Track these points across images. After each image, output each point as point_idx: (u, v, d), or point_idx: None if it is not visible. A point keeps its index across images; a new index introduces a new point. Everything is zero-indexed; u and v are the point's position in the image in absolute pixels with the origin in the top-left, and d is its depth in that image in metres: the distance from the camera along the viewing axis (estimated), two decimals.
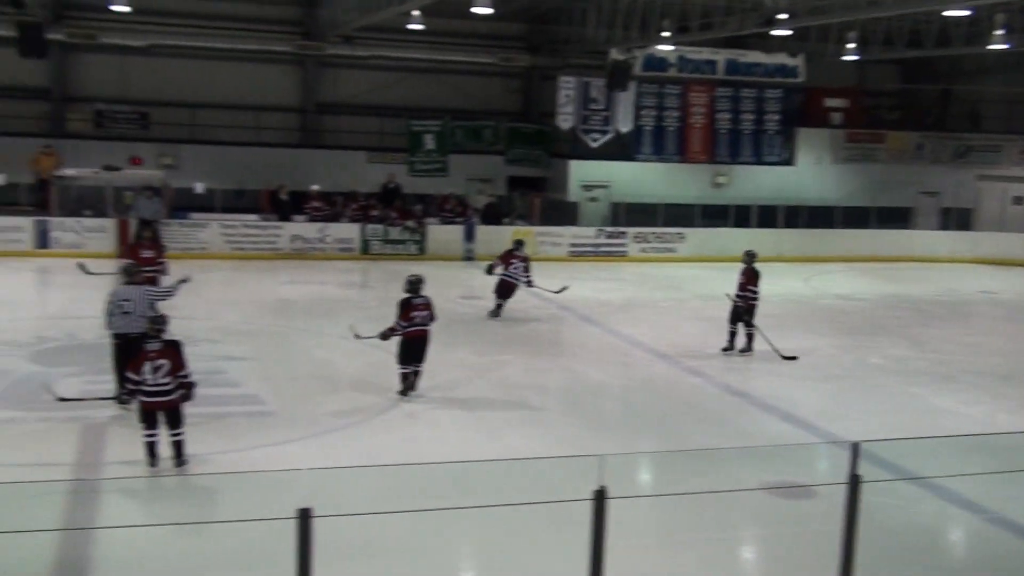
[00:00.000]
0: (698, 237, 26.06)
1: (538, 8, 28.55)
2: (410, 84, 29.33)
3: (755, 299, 15.15)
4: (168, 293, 11.53)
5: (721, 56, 27.60)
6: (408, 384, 12.29)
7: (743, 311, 15.11)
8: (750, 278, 15.17)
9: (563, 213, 27.10)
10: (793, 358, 14.76)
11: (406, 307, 12.27)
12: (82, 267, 14.23)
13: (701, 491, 7.83)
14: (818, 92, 29.44)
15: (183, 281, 11.84)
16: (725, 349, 15.22)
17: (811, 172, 29.36)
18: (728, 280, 15.77)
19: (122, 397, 10.48)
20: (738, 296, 15.16)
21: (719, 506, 8.47)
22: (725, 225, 26.94)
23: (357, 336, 12.71)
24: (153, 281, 15.67)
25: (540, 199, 27.61)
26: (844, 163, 29.71)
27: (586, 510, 5.87)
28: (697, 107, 28.02)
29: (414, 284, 12.51)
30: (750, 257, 15.37)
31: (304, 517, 5.28)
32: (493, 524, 7.86)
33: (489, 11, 18.93)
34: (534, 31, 29.86)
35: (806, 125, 29.13)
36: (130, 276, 11.39)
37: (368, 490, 8.24)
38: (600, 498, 5.81)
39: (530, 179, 29.07)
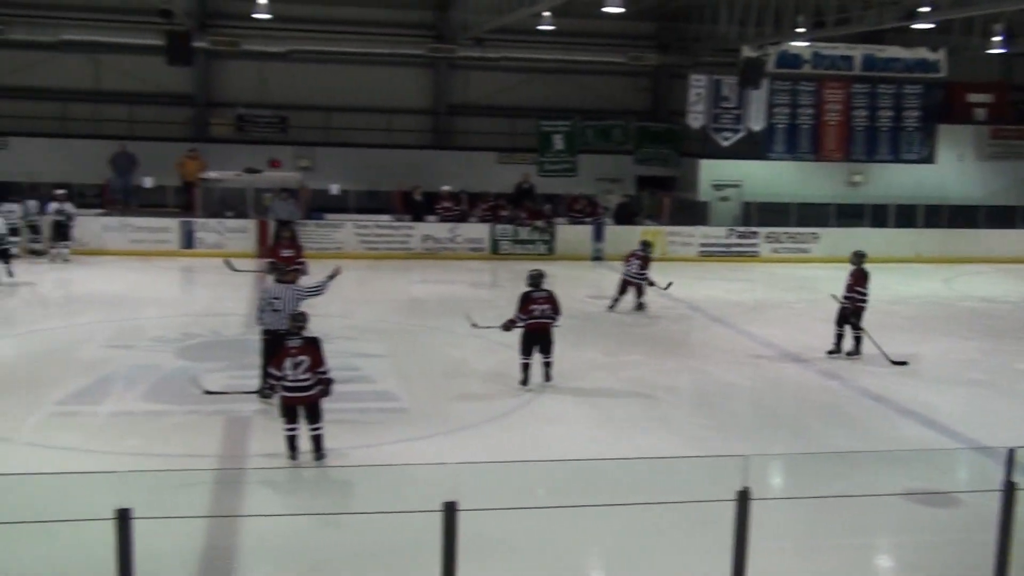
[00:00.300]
0: (833, 237, 25.42)
1: (668, 6, 28.35)
2: (539, 84, 29.49)
3: (863, 301, 14.71)
4: (318, 290, 11.74)
5: (858, 51, 26.85)
6: (527, 375, 12.57)
7: (850, 313, 14.70)
8: (858, 279, 14.75)
9: (693, 213, 26.84)
10: (903, 363, 14.28)
11: (526, 300, 12.63)
12: (228, 264, 14.83)
13: (844, 495, 7.67)
14: (960, 87, 28.40)
15: (332, 276, 11.98)
16: (831, 352, 14.84)
17: (953, 170, 28.33)
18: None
19: (264, 391, 10.85)
20: (845, 297, 14.76)
21: (857, 511, 8.29)
22: (861, 225, 26.25)
23: (474, 325, 13.04)
24: (293, 280, 16.25)
25: (670, 199, 27.41)
26: (988, 160, 28.60)
27: (720, 511, 5.84)
28: (832, 104, 27.35)
29: (535, 278, 12.83)
30: (858, 258, 14.94)
31: (450, 510, 5.38)
32: (623, 523, 7.88)
33: (620, 10, 18.93)
34: (664, 29, 29.65)
35: (947, 121, 28.07)
36: (281, 275, 11.81)
37: (501, 486, 8.34)
38: (744, 499, 5.78)
39: (659, 179, 28.90)
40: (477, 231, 24.35)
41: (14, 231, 21.03)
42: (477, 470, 7.81)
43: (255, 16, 24.39)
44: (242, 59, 27.96)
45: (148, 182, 25.43)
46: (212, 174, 24.46)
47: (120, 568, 5.44)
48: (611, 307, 17.89)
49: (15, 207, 21.50)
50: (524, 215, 24.65)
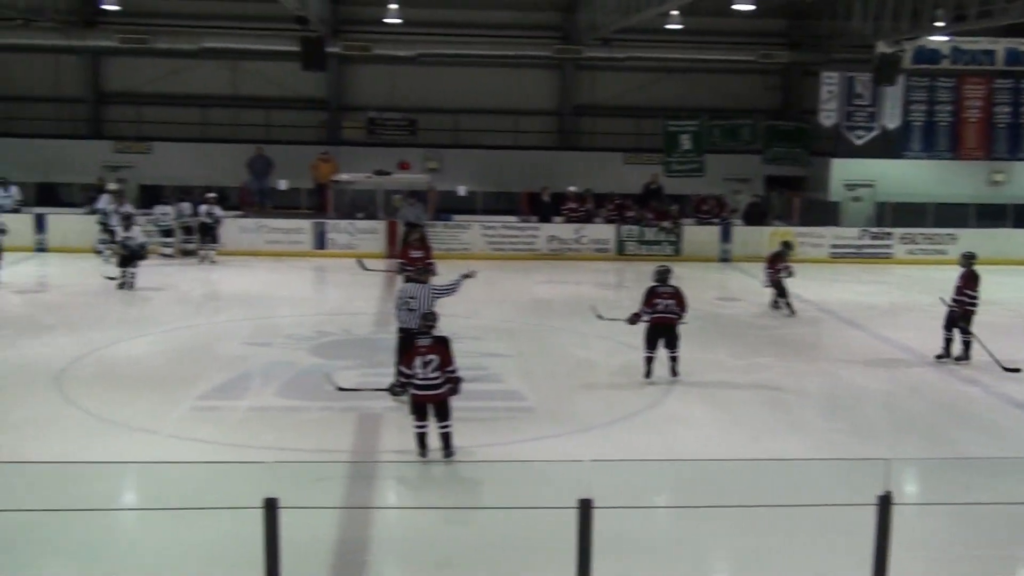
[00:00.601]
0: (972, 238, 24.42)
1: (800, 3, 27.77)
2: (667, 84, 29.28)
3: (972, 304, 14.10)
4: (452, 289, 11.80)
5: (1000, 45, 25.80)
6: (650, 368, 12.81)
7: (958, 316, 14.14)
8: (967, 282, 14.16)
9: (824, 213, 26.23)
10: (1016, 370, 13.61)
11: (651, 295, 12.87)
12: (360, 264, 15.21)
13: (988, 502, 7.40)
14: None
15: (467, 276, 12.08)
16: (939, 356, 14.29)
17: None
18: (1007, 284, 14.80)
19: (395, 389, 11.07)
20: (954, 300, 14.20)
21: (999, 520, 7.99)
22: (1003, 226, 25.25)
23: (600, 317, 13.21)
24: (426, 281, 16.58)
25: (799, 199, 26.85)
26: None
27: (855, 516, 5.73)
28: (972, 100, 26.40)
29: (662, 274, 13.07)
30: (967, 259, 14.36)
31: (585, 508, 5.41)
32: (756, 526, 7.79)
33: (750, 7, 18.67)
34: (795, 26, 29.07)
35: None
36: (417, 275, 12.05)
37: (630, 485, 8.34)
38: (885, 504, 5.65)
39: (788, 178, 28.33)
40: (603, 232, 24.31)
41: (168, 232, 22.01)
42: (605, 468, 7.84)
43: (386, 21, 24.93)
44: (373, 63, 28.58)
45: (283, 184, 26.19)
46: (344, 176, 25.04)
47: (267, 554, 5.65)
48: (790, 313, 17.49)
49: (169, 209, 22.50)
50: (651, 216, 24.50)
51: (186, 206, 22.57)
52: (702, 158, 27.30)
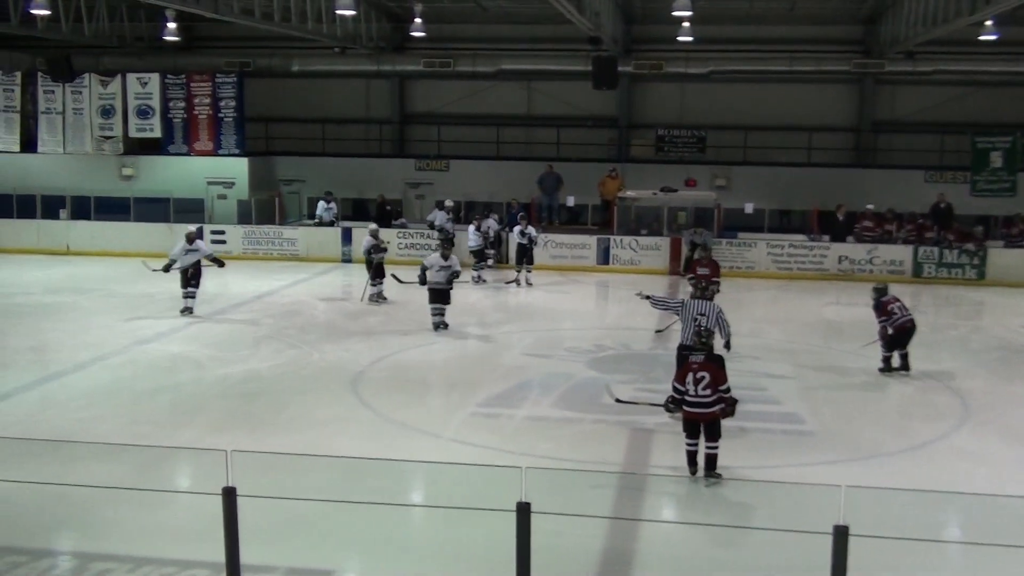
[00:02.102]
0: None
1: None
2: (975, 98, 27.49)
3: None
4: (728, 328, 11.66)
5: None
6: (888, 366, 13.83)
7: None
8: None
9: None
10: None
11: (881, 307, 13.85)
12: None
13: None
14: None
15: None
16: None
17: None
18: None
19: (668, 405, 11.08)
20: None
21: None
22: None
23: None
24: (711, 298, 16.58)
25: None
26: None
27: None
28: None
29: (880, 290, 14.10)
30: None
31: (840, 535, 5.25)
32: None
33: None
34: None
35: None
36: (702, 291, 12.31)
37: (903, 516, 7.94)
38: None
39: None
40: (898, 252, 23.13)
41: (478, 253, 22.25)
42: (879, 497, 7.50)
43: (679, 39, 24.97)
44: (663, 81, 28.68)
45: (571, 201, 26.81)
46: (630, 193, 25.28)
47: (519, 557, 5.84)
48: None
49: (492, 222, 23.44)
50: (952, 237, 23.06)
51: (492, 223, 23.54)
52: (1014, 176, 25.38)
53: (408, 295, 18.53)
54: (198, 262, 17.32)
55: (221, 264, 17.89)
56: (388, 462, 8.87)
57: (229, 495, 6.45)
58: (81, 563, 7.73)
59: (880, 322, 13.75)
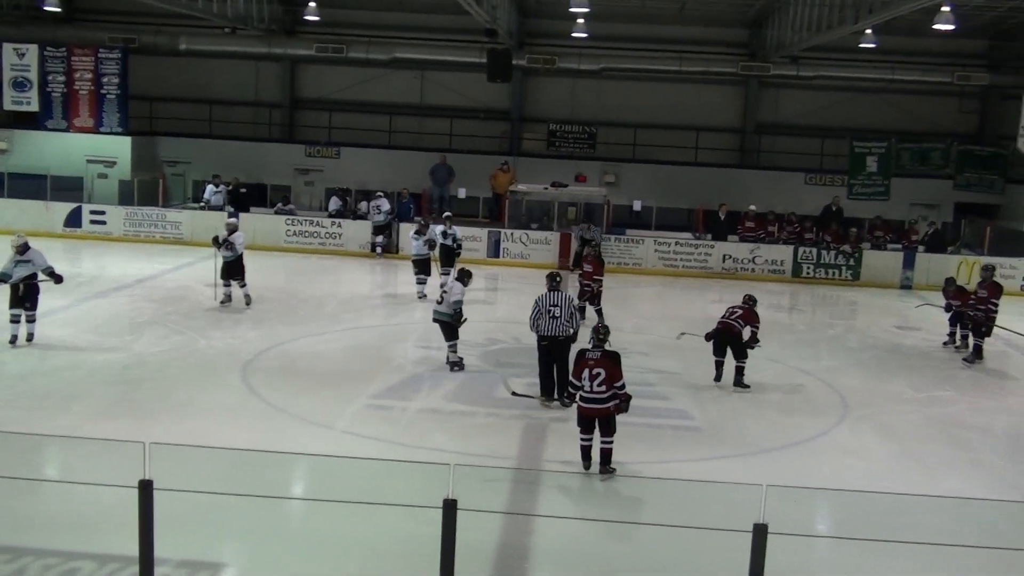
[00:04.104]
0: None
1: (1003, 23, 26.54)
2: (855, 104, 28.53)
3: None
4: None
5: None
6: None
7: None
8: None
9: (1017, 244, 24.92)
10: None
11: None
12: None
13: None
14: None
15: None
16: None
17: None
18: None
19: (564, 400, 11.19)
20: None
21: None
22: None
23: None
24: (593, 294, 16.79)
25: (991, 227, 25.62)
26: None
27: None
28: None
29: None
30: None
31: (760, 533, 5.37)
32: (925, 565, 7.52)
33: (950, 27, 17.97)
34: (996, 47, 27.81)
35: None
36: (555, 283, 12.41)
37: (797, 513, 8.18)
38: None
39: (980, 206, 27.10)
40: (779, 252, 23.83)
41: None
42: (771, 494, 7.71)
43: (573, 35, 25.19)
44: (556, 76, 28.91)
45: (462, 192, 26.81)
46: (521, 187, 25.40)
47: (444, 552, 5.82)
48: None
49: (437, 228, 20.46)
50: (829, 238, 23.87)
51: (384, 203, 23.68)
52: (888, 181, 26.41)
53: (298, 285, 18.23)
54: (32, 276, 13.66)
55: (58, 280, 13.98)
56: (285, 455, 8.74)
57: (146, 488, 6.26)
58: None
59: (754, 327, 13.62)
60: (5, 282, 13.51)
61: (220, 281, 17.11)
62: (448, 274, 19.81)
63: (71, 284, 16.65)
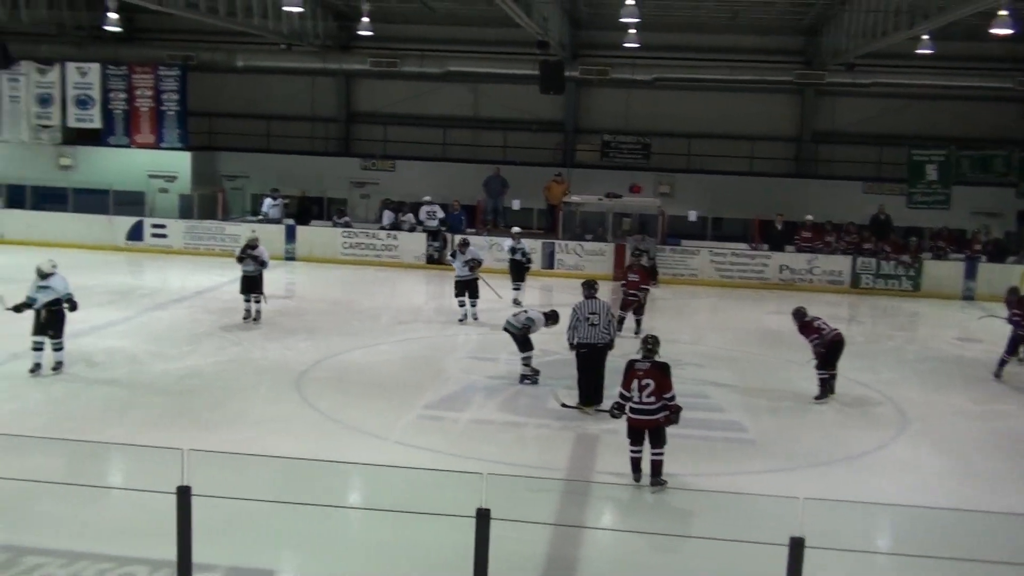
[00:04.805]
0: None
1: None
2: (913, 111, 28.05)
3: None
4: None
5: None
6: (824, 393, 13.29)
7: None
8: None
9: None
10: None
11: (806, 327, 13.54)
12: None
13: None
14: None
15: None
16: None
17: None
18: None
19: (613, 411, 11.13)
20: None
21: None
22: None
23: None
24: (640, 304, 16.77)
25: None
26: None
27: None
28: None
29: (799, 313, 13.68)
30: None
31: (797, 546, 5.30)
32: None
33: (1008, 32, 17.63)
34: None
35: None
36: (592, 291, 12.57)
37: (846, 528, 8.06)
38: None
39: None
40: (837, 263, 23.51)
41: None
42: (819, 508, 7.60)
43: (625, 45, 25.14)
44: (609, 87, 28.85)
45: (516, 204, 26.85)
46: (575, 198, 25.37)
47: (477, 563, 5.82)
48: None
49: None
50: (888, 248, 23.51)
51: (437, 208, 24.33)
52: (948, 190, 25.96)
53: (354, 296, 18.36)
54: (56, 303, 12.89)
55: (74, 308, 13.09)
56: (336, 464, 8.80)
57: (184, 494, 6.36)
58: (12, 556, 7.56)
59: (811, 341, 13.31)
60: (31, 307, 12.86)
61: (241, 296, 17.13)
62: (519, 288, 20.12)
63: (133, 296, 17.00)
